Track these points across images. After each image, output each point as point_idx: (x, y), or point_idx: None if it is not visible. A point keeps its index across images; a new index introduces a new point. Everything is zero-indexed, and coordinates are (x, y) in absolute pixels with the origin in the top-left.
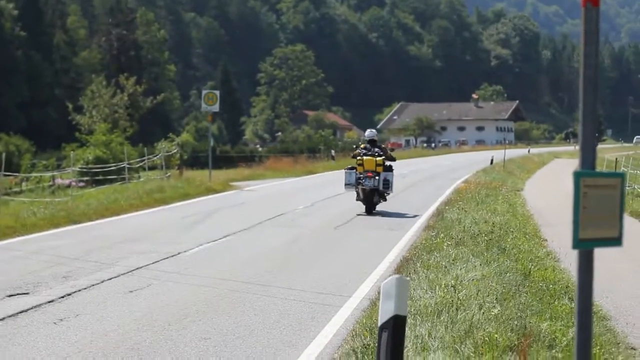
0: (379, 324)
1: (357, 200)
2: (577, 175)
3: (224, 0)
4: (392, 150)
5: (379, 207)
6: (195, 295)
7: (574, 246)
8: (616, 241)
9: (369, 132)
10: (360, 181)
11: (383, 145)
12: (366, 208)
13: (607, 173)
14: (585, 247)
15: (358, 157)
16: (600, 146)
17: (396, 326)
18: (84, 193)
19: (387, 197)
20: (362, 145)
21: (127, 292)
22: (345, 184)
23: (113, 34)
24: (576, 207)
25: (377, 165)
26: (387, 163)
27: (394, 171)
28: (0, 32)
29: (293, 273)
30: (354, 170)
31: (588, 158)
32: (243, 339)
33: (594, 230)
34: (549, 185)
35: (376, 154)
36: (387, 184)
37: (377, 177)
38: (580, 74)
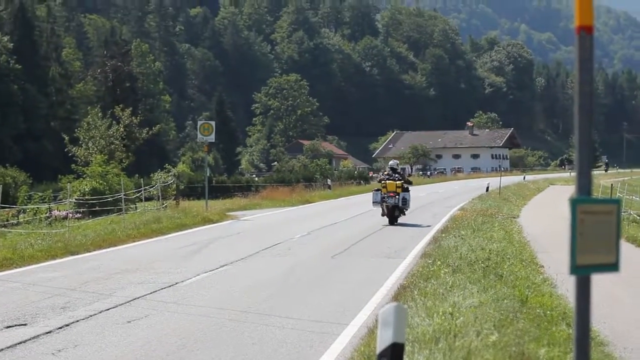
0: (377, 352)
1: (382, 215)
2: (574, 202)
3: (218, 31)
4: (410, 175)
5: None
6: (193, 325)
7: (571, 272)
8: (613, 267)
9: (392, 162)
10: (384, 200)
11: (401, 172)
12: (389, 221)
13: (604, 199)
14: (582, 273)
15: (382, 181)
16: (595, 172)
17: (394, 354)
18: (81, 224)
19: (405, 212)
20: (385, 172)
21: (125, 322)
22: (373, 202)
23: (108, 65)
24: (573, 233)
25: (397, 187)
26: (405, 185)
27: (410, 192)
28: None
29: (291, 302)
30: (380, 191)
31: (584, 185)
32: None
33: (591, 256)
34: (545, 212)
35: (396, 178)
36: (405, 202)
37: (397, 197)
38: (575, 101)
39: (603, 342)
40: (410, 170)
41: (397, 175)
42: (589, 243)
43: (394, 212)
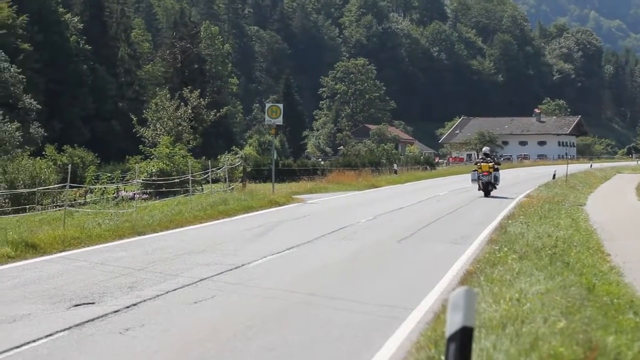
0: (447, 335)
1: (478, 190)
2: None
3: (287, 14)
4: (500, 157)
5: (492, 193)
6: (260, 307)
7: None
8: None
9: (485, 149)
10: (480, 178)
11: (492, 156)
12: (484, 193)
13: None
14: None
15: (478, 163)
16: None
17: (464, 338)
18: (148, 205)
19: (496, 187)
20: (480, 157)
21: (191, 302)
22: (472, 180)
23: (177, 47)
24: None
25: (489, 167)
26: (496, 166)
27: (500, 171)
28: (66, 46)
29: (356, 285)
30: (476, 171)
31: None
32: (308, 350)
33: None
34: (612, 200)
35: (489, 161)
36: (496, 179)
37: (490, 175)
38: None
39: None
40: (476, 156)
41: (489, 158)
42: None
43: (487, 187)
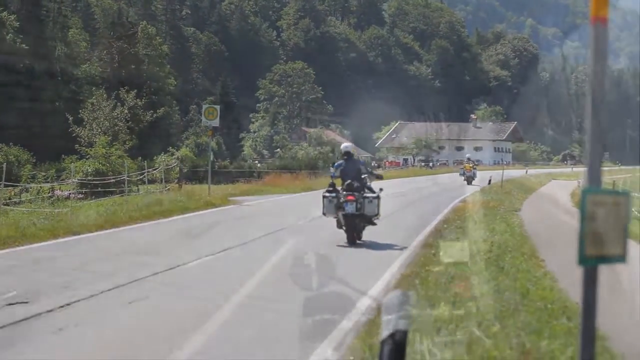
0: (380, 338)
1: (463, 180)
2: (584, 192)
3: (225, 16)
4: (477, 161)
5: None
6: (194, 308)
7: (580, 262)
8: (620, 258)
9: (468, 155)
10: (464, 173)
11: (472, 160)
12: (467, 183)
13: (614, 191)
14: (590, 264)
15: (462, 165)
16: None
17: (398, 341)
18: (83, 205)
19: (475, 179)
20: (465, 160)
21: (126, 303)
22: (459, 174)
23: (114, 47)
24: (582, 223)
25: (471, 167)
26: (475, 167)
27: (477, 170)
28: (1, 44)
29: (292, 288)
30: (463, 169)
31: (595, 175)
32: (241, 352)
33: (599, 248)
34: (547, 206)
35: (470, 164)
36: (475, 175)
37: (471, 172)
38: (587, 92)
39: (603, 336)
40: (413, 161)
41: (471, 162)
42: (598, 234)
43: (469, 180)
